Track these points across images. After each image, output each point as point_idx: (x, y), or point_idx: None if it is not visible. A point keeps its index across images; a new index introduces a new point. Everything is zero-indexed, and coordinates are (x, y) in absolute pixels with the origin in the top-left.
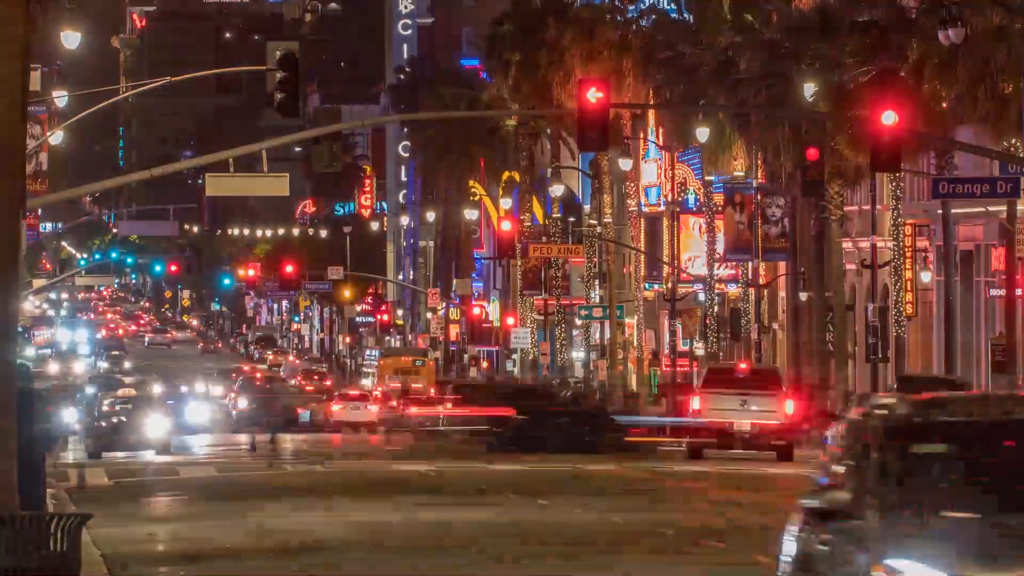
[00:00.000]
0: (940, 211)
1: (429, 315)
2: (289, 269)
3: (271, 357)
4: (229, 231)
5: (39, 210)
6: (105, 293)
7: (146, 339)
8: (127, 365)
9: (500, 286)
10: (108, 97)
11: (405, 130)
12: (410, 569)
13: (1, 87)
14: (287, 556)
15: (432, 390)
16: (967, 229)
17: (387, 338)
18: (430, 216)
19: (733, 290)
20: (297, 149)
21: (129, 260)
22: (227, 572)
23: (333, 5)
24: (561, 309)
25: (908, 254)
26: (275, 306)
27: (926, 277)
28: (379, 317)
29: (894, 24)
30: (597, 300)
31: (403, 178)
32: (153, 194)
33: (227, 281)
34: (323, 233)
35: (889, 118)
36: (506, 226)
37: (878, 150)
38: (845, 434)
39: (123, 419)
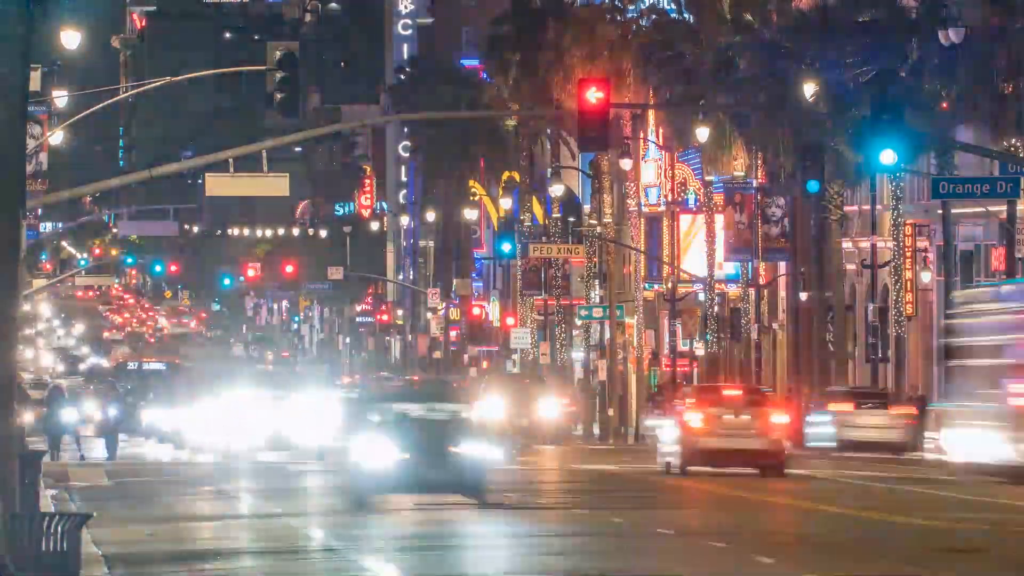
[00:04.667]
0: (940, 211)
1: (429, 315)
2: (289, 269)
3: (271, 358)
4: (229, 231)
5: (39, 210)
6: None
7: None
8: None
9: (500, 286)
10: (108, 97)
11: (405, 130)
12: None
13: (1, 87)
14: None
15: None
16: (967, 229)
17: (386, 338)
18: (430, 216)
19: (733, 290)
20: (297, 149)
21: (129, 260)
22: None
23: (333, 5)
24: (561, 309)
25: (908, 254)
26: (275, 306)
27: (926, 277)
28: (379, 317)
29: (894, 24)
30: (597, 300)
31: (403, 178)
32: (153, 194)
33: (227, 281)
34: (323, 233)
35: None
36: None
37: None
38: None
39: None
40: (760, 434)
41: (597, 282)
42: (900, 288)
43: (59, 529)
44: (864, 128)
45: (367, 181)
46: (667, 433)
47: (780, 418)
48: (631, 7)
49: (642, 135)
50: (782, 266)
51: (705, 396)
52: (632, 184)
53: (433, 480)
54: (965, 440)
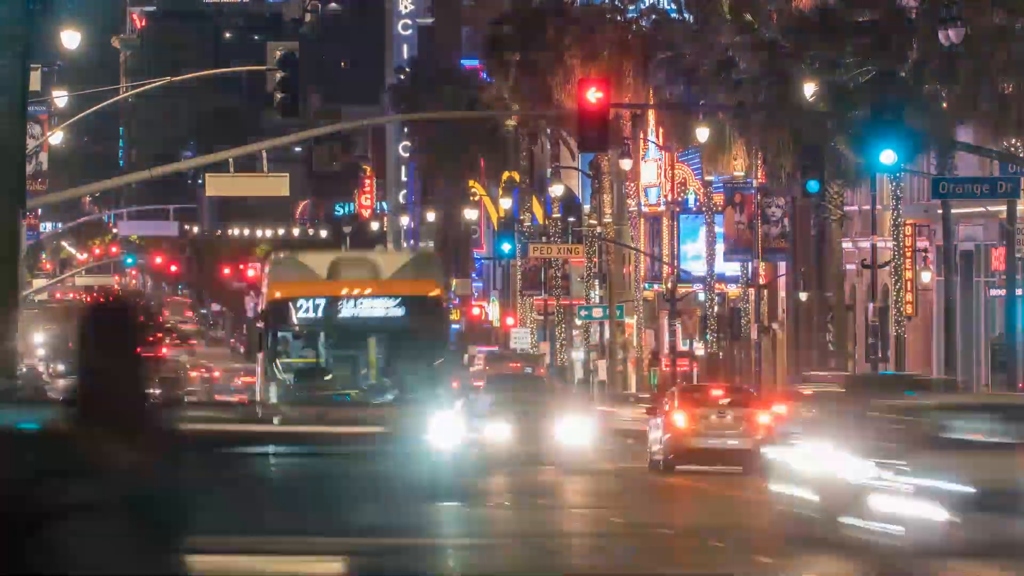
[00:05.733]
0: (940, 211)
1: None
2: None
3: None
4: (229, 231)
5: (39, 210)
6: None
7: None
8: None
9: (500, 286)
10: (108, 97)
11: (405, 130)
12: None
13: (1, 87)
14: None
15: None
16: (967, 229)
17: None
18: (430, 216)
19: (733, 290)
20: (297, 149)
21: (129, 260)
22: None
23: (333, 5)
24: (561, 309)
25: (908, 254)
26: None
27: (926, 277)
28: None
29: (894, 24)
30: (597, 300)
31: (403, 178)
32: (153, 194)
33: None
34: (323, 233)
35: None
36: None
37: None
38: None
39: None
40: (746, 434)
41: (597, 282)
42: (900, 288)
43: None
44: (864, 128)
45: (367, 181)
46: (655, 432)
47: (766, 418)
48: (631, 7)
49: (642, 135)
50: (782, 266)
51: (691, 396)
52: (632, 184)
53: None
54: None
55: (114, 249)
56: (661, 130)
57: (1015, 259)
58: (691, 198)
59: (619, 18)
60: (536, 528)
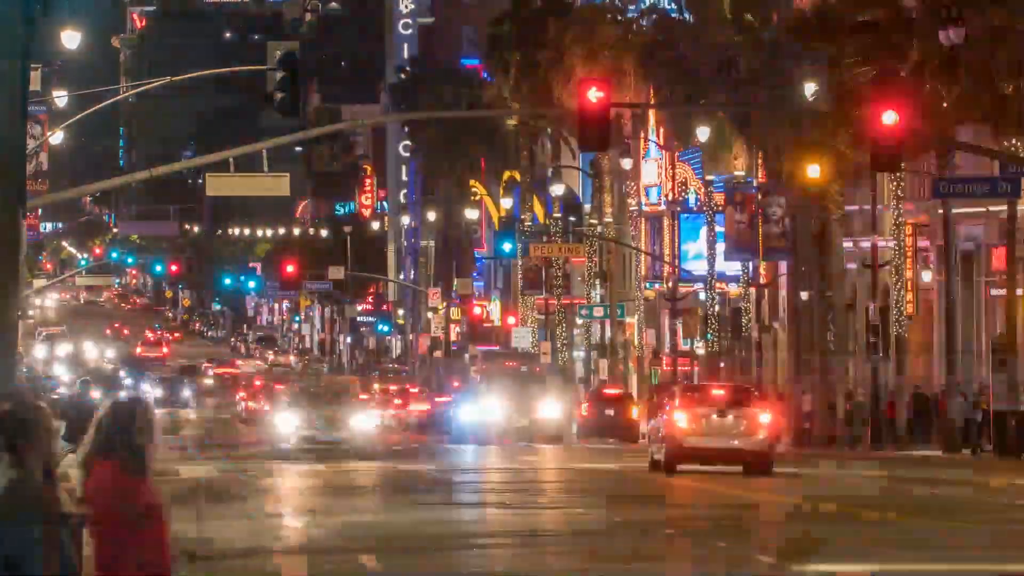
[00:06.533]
0: (940, 211)
1: (430, 315)
2: (289, 269)
3: (271, 357)
4: (229, 231)
5: (39, 210)
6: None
7: None
8: None
9: (501, 285)
10: (108, 97)
11: (405, 130)
12: None
13: (1, 87)
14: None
15: None
16: (967, 229)
17: (387, 337)
18: (431, 216)
19: (734, 289)
20: (297, 149)
21: (129, 260)
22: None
23: (333, 5)
24: (562, 308)
25: (909, 254)
26: (276, 306)
27: (927, 277)
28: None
29: (894, 24)
30: (598, 299)
31: (403, 178)
32: (153, 194)
33: (227, 281)
34: (323, 233)
35: (889, 117)
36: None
37: (878, 150)
38: None
39: None
40: (747, 433)
41: (598, 281)
42: (901, 288)
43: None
44: (863, 128)
45: (368, 181)
46: (655, 432)
47: (767, 417)
48: (631, 7)
49: (643, 134)
50: (783, 265)
51: (692, 395)
52: (633, 183)
53: None
54: None
55: (115, 255)
56: (661, 129)
57: (1016, 258)
58: (692, 197)
59: (619, 18)
60: (535, 527)
